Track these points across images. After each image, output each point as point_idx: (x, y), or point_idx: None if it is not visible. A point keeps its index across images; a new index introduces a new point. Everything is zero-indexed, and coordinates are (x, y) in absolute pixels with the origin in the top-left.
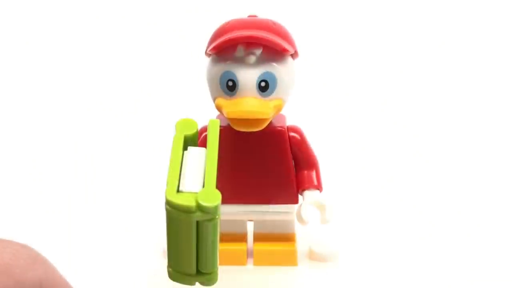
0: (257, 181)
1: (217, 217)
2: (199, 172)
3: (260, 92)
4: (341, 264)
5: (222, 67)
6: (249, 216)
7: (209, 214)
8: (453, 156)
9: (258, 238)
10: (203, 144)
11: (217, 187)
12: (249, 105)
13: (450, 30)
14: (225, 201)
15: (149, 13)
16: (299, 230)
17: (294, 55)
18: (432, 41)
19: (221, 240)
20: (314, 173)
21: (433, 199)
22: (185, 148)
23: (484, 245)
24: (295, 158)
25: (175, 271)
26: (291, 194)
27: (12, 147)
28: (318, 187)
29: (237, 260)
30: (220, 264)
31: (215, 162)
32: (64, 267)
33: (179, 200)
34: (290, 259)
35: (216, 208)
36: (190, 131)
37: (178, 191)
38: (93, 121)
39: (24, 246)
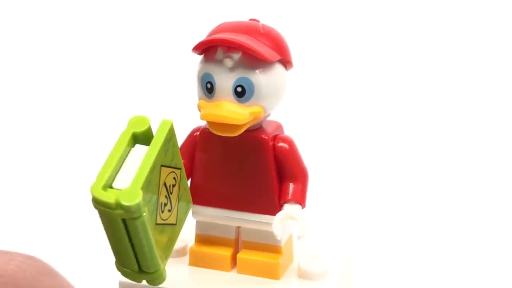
0: (238, 187)
1: (143, 215)
2: (134, 170)
3: (237, 97)
4: (327, 285)
5: (203, 69)
6: (234, 222)
7: (131, 212)
8: (454, 167)
9: (245, 246)
10: (188, 146)
11: (201, 188)
12: (221, 109)
13: (444, 34)
14: (208, 203)
15: (156, 15)
16: (297, 243)
17: (287, 65)
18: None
19: (208, 243)
20: (298, 187)
21: (435, 213)
22: (133, 145)
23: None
24: (280, 169)
25: (122, 267)
26: (272, 205)
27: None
28: (300, 201)
29: (220, 266)
30: (204, 266)
31: (150, 161)
32: (73, 275)
33: (102, 196)
34: (272, 272)
35: (136, 206)
36: (140, 128)
37: (110, 187)
38: (93, 121)
39: (30, 258)
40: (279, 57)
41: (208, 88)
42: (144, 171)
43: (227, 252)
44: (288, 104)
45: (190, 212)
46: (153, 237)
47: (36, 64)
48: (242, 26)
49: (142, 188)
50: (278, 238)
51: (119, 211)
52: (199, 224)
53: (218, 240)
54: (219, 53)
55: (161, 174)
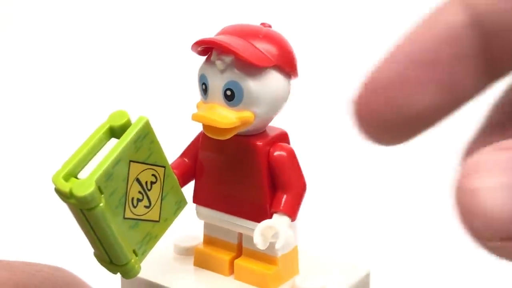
0: (234, 192)
1: (98, 206)
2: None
3: (227, 100)
4: None
5: (200, 70)
6: (233, 227)
7: (83, 203)
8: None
9: (245, 252)
10: (192, 146)
11: (203, 189)
12: (209, 111)
13: None
14: (210, 205)
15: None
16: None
17: (288, 72)
18: None
19: (213, 245)
20: (290, 198)
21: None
22: (109, 139)
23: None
24: (275, 178)
25: (97, 258)
26: (263, 214)
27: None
28: (289, 213)
29: (220, 269)
30: (205, 268)
31: (113, 155)
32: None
33: (60, 184)
34: (264, 283)
35: (87, 197)
36: (118, 122)
37: (76, 177)
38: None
39: (57, 269)
40: (273, 63)
41: (204, 89)
42: (103, 164)
43: (227, 257)
44: (300, 112)
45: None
46: (120, 230)
47: (35, 64)
48: (243, 29)
49: (98, 180)
50: (260, 247)
51: (73, 201)
52: (206, 225)
53: (222, 243)
54: (214, 55)
55: (131, 169)
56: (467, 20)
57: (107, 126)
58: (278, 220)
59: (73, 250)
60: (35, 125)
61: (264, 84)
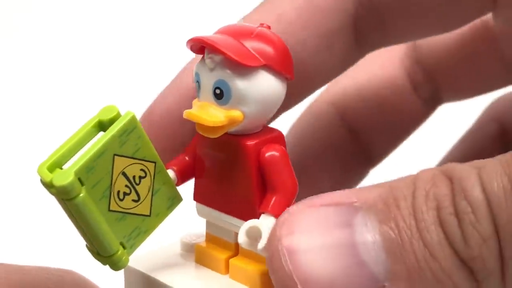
0: (226, 191)
1: (78, 196)
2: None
3: (216, 99)
4: None
5: (195, 68)
6: (228, 226)
7: (62, 193)
8: None
9: (241, 252)
10: (191, 144)
11: (201, 187)
12: (199, 109)
13: None
14: (207, 203)
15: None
16: None
17: (281, 74)
18: None
19: (213, 243)
20: (279, 199)
21: None
22: (98, 133)
23: None
24: (266, 179)
25: (89, 249)
26: (252, 214)
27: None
28: (277, 214)
29: (216, 267)
30: (205, 265)
31: (95, 147)
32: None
33: (43, 174)
34: (254, 284)
35: (65, 187)
36: (107, 116)
37: (61, 168)
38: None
39: (68, 272)
40: (261, 63)
41: (197, 87)
42: (85, 156)
43: (223, 255)
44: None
45: None
46: (104, 222)
47: (35, 64)
48: (237, 29)
49: (78, 172)
50: (244, 247)
51: (53, 190)
52: (207, 223)
53: (221, 242)
54: (205, 54)
55: (116, 163)
56: None
57: (96, 120)
58: (264, 221)
59: (75, 251)
60: (32, 122)
61: (253, 84)
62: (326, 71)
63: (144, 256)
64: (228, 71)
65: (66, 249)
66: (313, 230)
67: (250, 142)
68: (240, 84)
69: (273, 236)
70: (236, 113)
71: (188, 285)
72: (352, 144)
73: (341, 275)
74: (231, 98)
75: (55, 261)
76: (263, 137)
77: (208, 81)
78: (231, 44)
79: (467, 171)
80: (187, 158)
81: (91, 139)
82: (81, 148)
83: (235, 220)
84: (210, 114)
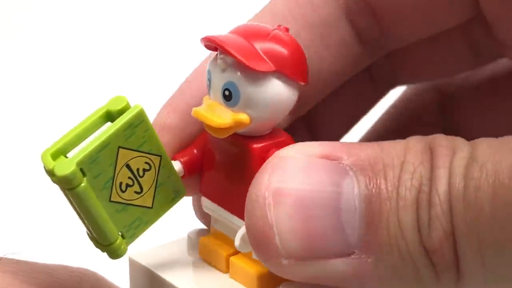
0: (230, 190)
1: (79, 186)
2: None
3: (225, 100)
4: None
5: (209, 65)
6: (231, 224)
7: (63, 182)
8: None
9: (243, 253)
10: (201, 139)
11: (207, 182)
12: (206, 108)
13: None
14: (212, 198)
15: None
16: None
17: (294, 80)
18: None
19: (217, 238)
20: None
21: None
22: (105, 123)
23: None
24: None
25: (89, 237)
26: None
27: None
28: None
29: (217, 264)
30: (207, 260)
31: (100, 139)
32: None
33: (46, 161)
34: (251, 284)
35: (66, 177)
36: (116, 107)
37: (66, 156)
38: None
39: (87, 271)
40: (272, 69)
41: (208, 85)
42: (89, 147)
43: (225, 252)
44: None
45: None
46: (104, 212)
47: (35, 64)
48: (251, 30)
49: (81, 162)
50: (240, 250)
51: (54, 179)
52: (212, 217)
53: (225, 238)
54: (218, 53)
55: (120, 155)
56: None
57: (104, 110)
58: None
59: (82, 245)
60: (32, 122)
61: (262, 89)
62: (323, 64)
63: (150, 251)
64: (239, 74)
65: (72, 243)
66: (301, 182)
67: (256, 145)
68: (249, 89)
69: (261, 180)
70: (243, 116)
71: (188, 284)
72: None
73: (319, 235)
74: (239, 101)
75: (63, 257)
76: (271, 140)
77: (219, 82)
78: (242, 47)
79: (446, 155)
80: (195, 151)
81: (98, 128)
82: (88, 137)
83: (236, 220)
84: (217, 115)
